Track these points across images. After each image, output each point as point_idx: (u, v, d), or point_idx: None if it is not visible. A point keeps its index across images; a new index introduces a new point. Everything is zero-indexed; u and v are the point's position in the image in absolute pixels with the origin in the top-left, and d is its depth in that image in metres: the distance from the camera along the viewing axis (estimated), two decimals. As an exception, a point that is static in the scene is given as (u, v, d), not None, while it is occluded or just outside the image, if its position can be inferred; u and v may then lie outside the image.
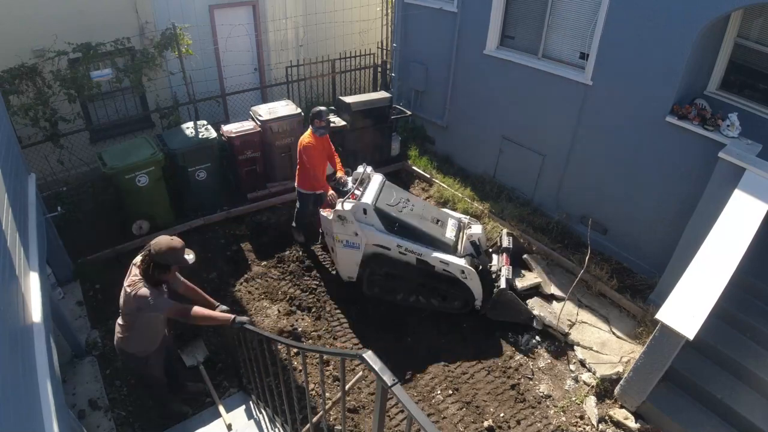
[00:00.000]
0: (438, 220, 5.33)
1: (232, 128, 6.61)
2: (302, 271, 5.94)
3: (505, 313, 5.12)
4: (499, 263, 5.40)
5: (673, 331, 3.58)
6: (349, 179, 5.51)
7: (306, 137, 5.36)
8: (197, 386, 4.44)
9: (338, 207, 4.98)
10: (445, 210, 5.66)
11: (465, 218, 5.72)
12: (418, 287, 5.25)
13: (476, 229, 5.50)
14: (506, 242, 5.61)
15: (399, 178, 7.95)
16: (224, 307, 3.54)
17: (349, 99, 7.22)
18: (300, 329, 5.17)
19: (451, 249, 5.09)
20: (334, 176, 5.55)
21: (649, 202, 5.59)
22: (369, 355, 1.95)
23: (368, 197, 5.07)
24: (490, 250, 5.69)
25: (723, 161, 4.47)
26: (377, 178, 5.46)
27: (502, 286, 5.02)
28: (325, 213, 5.25)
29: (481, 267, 5.17)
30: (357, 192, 5.21)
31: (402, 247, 5.02)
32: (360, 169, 5.53)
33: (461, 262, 4.99)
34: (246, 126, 6.68)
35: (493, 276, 5.26)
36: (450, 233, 5.24)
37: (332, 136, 7.09)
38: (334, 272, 5.89)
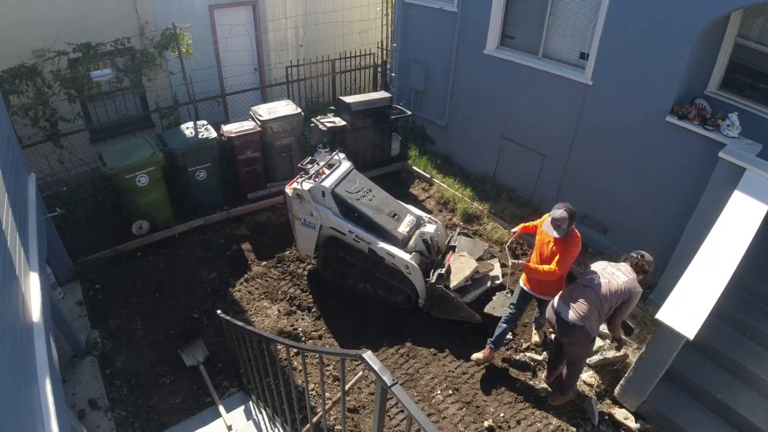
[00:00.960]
0: (395, 214, 5.36)
1: (232, 128, 6.61)
2: (302, 271, 5.94)
3: (444, 310, 5.04)
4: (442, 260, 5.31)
5: (673, 331, 3.58)
6: (318, 159, 5.69)
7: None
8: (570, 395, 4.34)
9: (297, 185, 5.17)
10: (407, 206, 5.67)
11: (425, 216, 5.70)
12: (367, 275, 5.32)
13: (429, 228, 5.45)
14: (453, 241, 5.54)
15: (399, 178, 7.95)
16: None
17: (349, 99, 7.22)
18: (300, 329, 5.17)
19: (401, 244, 5.13)
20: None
21: (650, 201, 5.59)
22: (369, 355, 1.95)
23: (328, 181, 5.24)
24: (452, 243, 5.54)
25: (723, 161, 4.47)
26: (345, 165, 5.60)
27: (431, 281, 4.95)
28: (288, 190, 5.39)
29: (434, 267, 5.10)
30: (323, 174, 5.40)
31: (354, 233, 5.13)
32: (333, 155, 5.70)
33: (406, 257, 5.00)
34: (246, 126, 6.68)
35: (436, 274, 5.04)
36: (404, 228, 5.26)
37: (333, 136, 7.15)
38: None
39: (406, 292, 5.19)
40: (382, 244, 5.06)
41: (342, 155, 5.76)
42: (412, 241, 5.24)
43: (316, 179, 5.24)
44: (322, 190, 5.15)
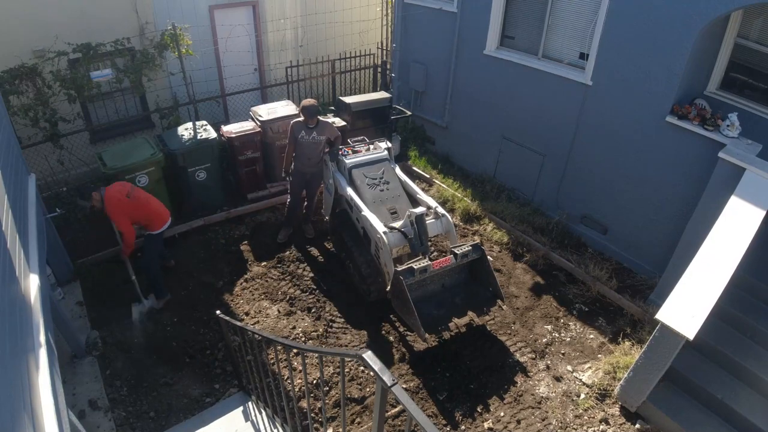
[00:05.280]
0: (395, 212, 5.29)
1: (232, 129, 6.61)
2: (302, 271, 5.94)
3: (399, 305, 4.54)
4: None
5: (673, 331, 3.58)
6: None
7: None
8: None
9: (326, 155, 5.79)
10: (426, 200, 5.33)
11: (434, 207, 5.20)
12: (352, 255, 5.43)
13: (418, 209, 4.85)
14: (463, 249, 4.76)
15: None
16: None
17: (349, 99, 7.22)
18: (300, 329, 5.17)
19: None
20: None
21: (649, 202, 5.59)
22: (368, 356, 1.95)
23: (353, 159, 5.66)
24: (457, 251, 4.74)
25: (723, 161, 4.47)
26: (381, 153, 5.83)
27: (398, 269, 4.41)
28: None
29: (420, 252, 4.68)
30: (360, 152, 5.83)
31: (353, 201, 5.27)
32: (381, 142, 6.02)
33: (381, 228, 4.81)
34: (246, 126, 6.68)
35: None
36: (395, 224, 5.01)
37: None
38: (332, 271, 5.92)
39: (370, 288, 5.14)
40: (368, 213, 5.05)
41: (387, 144, 5.97)
42: (399, 223, 4.94)
43: (349, 153, 5.72)
44: (343, 164, 5.58)
